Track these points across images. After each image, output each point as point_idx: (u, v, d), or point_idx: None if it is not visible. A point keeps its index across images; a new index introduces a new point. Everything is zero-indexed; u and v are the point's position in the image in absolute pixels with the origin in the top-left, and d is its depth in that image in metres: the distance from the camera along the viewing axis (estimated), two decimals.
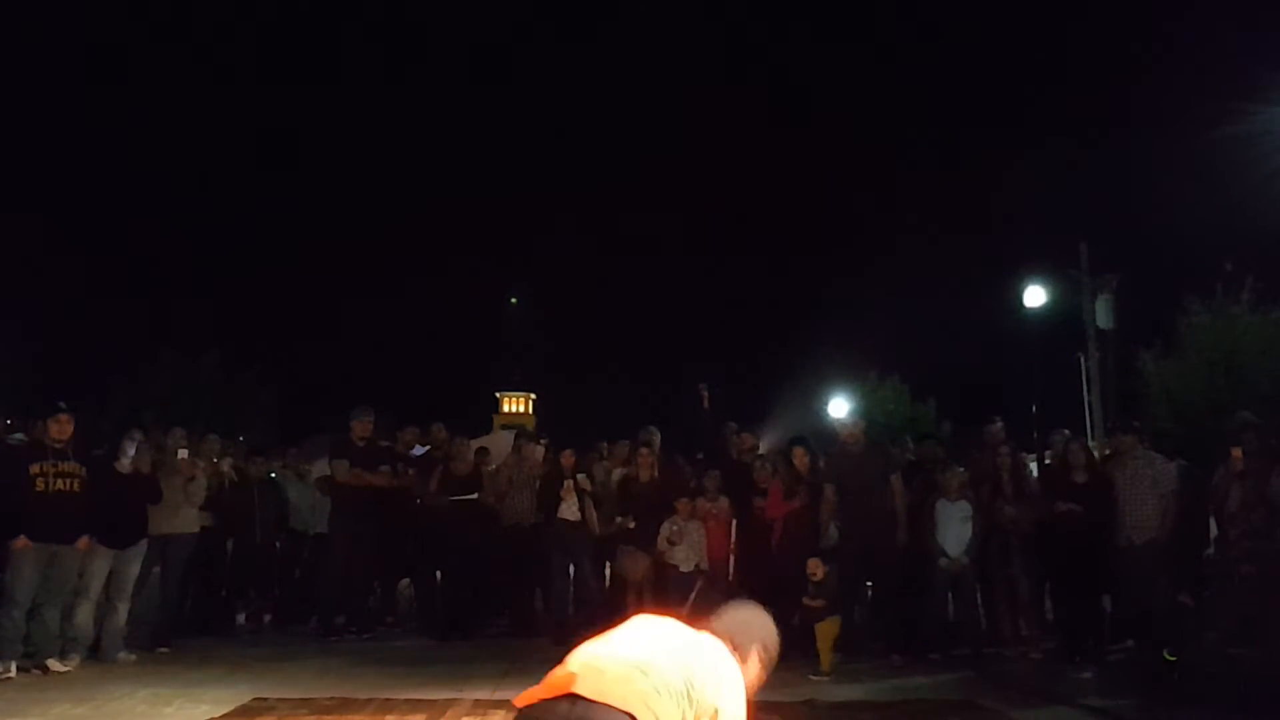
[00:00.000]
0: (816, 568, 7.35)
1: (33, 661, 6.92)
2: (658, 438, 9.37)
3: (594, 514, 8.84)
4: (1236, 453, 7.50)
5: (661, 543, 8.57)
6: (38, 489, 6.97)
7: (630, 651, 2.73)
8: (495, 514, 9.06)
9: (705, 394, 10.56)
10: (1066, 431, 9.01)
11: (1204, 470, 8.15)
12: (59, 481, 7.06)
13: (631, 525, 8.74)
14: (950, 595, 8.18)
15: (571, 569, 8.80)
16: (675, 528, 8.56)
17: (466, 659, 7.45)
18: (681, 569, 8.51)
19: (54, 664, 6.94)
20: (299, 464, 10.48)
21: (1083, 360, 20.53)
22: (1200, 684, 6.49)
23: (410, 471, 9.39)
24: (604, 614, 8.92)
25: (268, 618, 9.96)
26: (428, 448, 9.90)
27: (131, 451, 7.63)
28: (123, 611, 7.59)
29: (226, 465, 9.38)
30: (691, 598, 8.48)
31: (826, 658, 7.03)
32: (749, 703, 2.90)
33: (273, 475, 10.09)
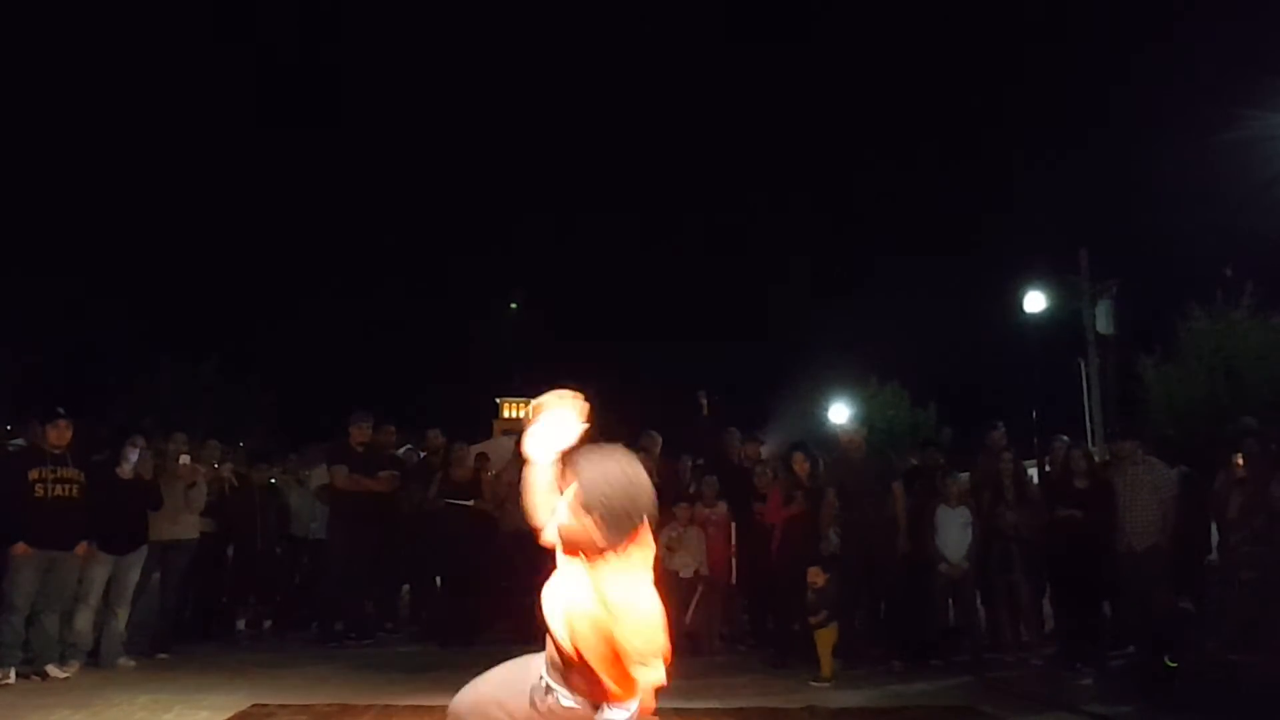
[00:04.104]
0: (817, 575, 7.34)
1: (32, 668, 6.89)
2: (658, 442, 9.36)
3: None
4: (1237, 459, 7.51)
5: (661, 549, 8.57)
6: (36, 495, 6.96)
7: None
8: (495, 520, 9.06)
9: (705, 401, 10.55)
10: (1066, 438, 9.03)
11: (1205, 476, 8.15)
12: (58, 488, 7.05)
13: None
14: (951, 601, 8.19)
15: None
16: (675, 534, 8.57)
17: (467, 665, 7.36)
18: (681, 575, 8.52)
19: (53, 670, 6.92)
20: (299, 470, 10.49)
21: (1083, 366, 20.52)
22: (1201, 690, 6.48)
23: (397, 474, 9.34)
24: None
25: (268, 624, 9.95)
26: (422, 453, 9.89)
27: (134, 457, 7.62)
28: (122, 617, 7.58)
29: (227, 471, 9.39)
30: (693, 604, 8.49)
31: (827, 664, 7.02)
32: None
33: (273, 481, 10.10)
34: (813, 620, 7.19)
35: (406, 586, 10.24)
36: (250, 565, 9.53)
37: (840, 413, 27.60)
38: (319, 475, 9.87)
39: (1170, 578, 7.53)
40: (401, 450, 10.20)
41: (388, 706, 6.04)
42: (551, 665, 2.70)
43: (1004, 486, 8.15)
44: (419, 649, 8.57)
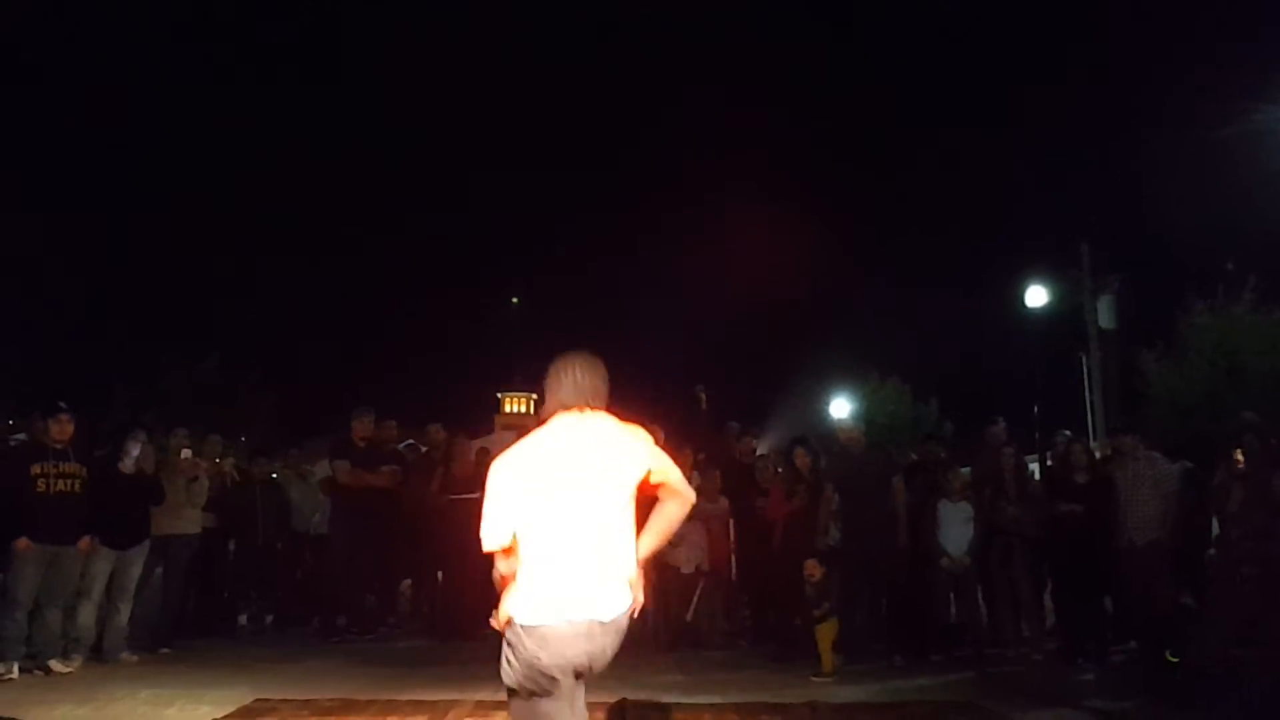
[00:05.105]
0: (814, 569, 7.34)
1: (35, 662, 6.92)
2: (659, 436, 9.35)
3: None
4: (1238, 453, 7.49)
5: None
6: (39, 490, 6.97)
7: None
8: None
9: (702, 396, 10.55)
10: (1068, 432, 9.04)
11: (1206, 471, 8.14)
12: (60, 482, 7.06)
13: None
14: (952, 596, 8.19)
15: None
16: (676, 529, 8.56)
17: (468, 660, 7.43)
18: (683, 570, 8.52)
19: (56, 665, 6.94)
20: (300, 465, 10.49)
21: (1084, 360, 20.53)
22: (1202, 685, 6.48)
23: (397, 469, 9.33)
24: None
25: (269, 619, 9.98)
26: (410, 442, 9.90)
27: (136, 452, 7.63)
28: (125, 612, 7.59)
29: (229, 466, 9.40)
30: (694, 599, 8.49)
31: (827, 659, 7.02)
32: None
33: (274, 476, 10.11)
34: (815, 614, 7.20)
35: (408, 581, 10.26)
36: (252, 560, 9.55)
37: (841, 408, 27.55)
38: (321, 470, 9.89)
39: (1171, 573, 7.53)
40: (403, 445, 10.20)
41: (390, 701, 6.05)
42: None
43: (1005, 481, 8.13)
44: (420, 644, 8.59)
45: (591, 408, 3.33)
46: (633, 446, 3.29)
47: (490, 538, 3.27)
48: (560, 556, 3.13)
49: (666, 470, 3.30)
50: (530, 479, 3.22)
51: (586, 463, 3.20)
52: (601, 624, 3.10)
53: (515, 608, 3.13)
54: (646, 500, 3.33)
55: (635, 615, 3.23)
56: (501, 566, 3.28)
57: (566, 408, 3.32)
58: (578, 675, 3.14)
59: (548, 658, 3.05)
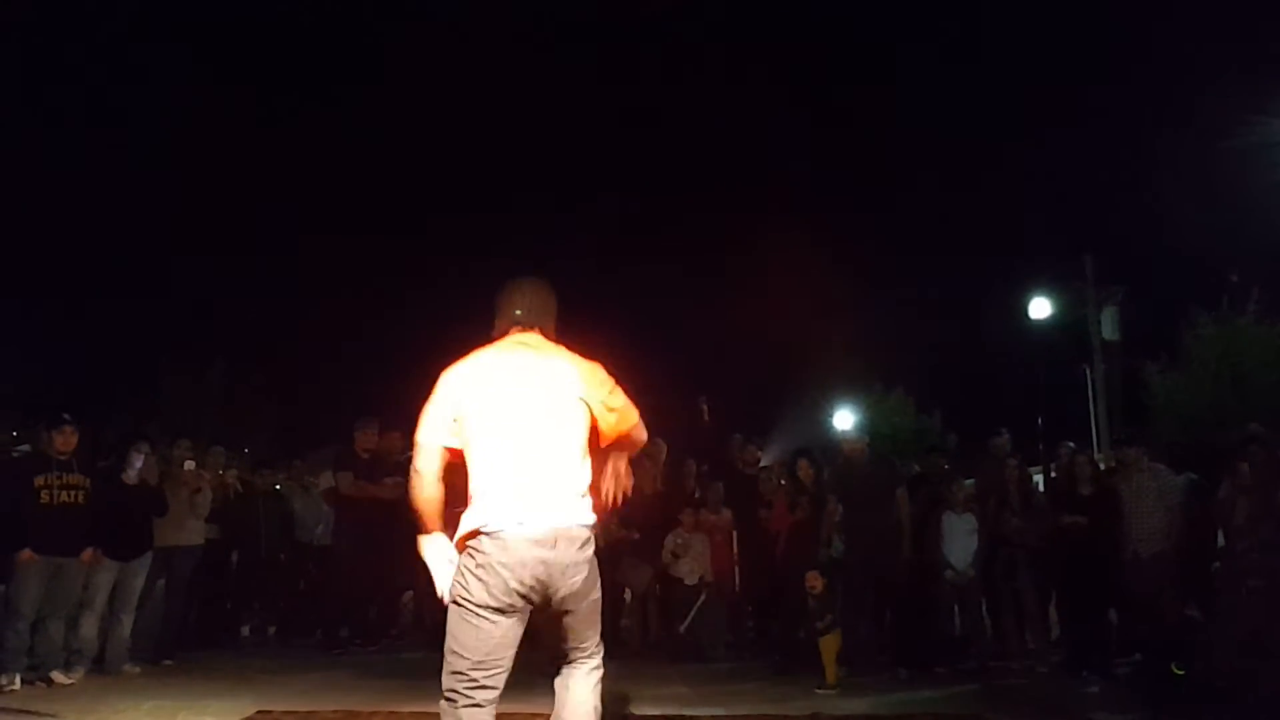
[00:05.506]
0: (815, 580, 7.32)
1: (37, 674, 6.91)
2: (664, 449, 9.35)
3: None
4: (1243, 465, 7.48)
5: (666, 555, 8.56)
6: (42, 501, 6.97)
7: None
8: None
9: (705, 407, 10.53)
10: (1072, 444, 9.03)
11: (1211, 483, 8.13)
12: (64, 494, 7.06)
13: (635, 537, 8.72)
14: (956, 608, 8.17)
15: None
16: (680, 540, 8.56)
17: None
18: (686, 582, 8.51)
19: (58, 676, 6.93)
20: (304, 476, 10.49)
21: (1088, 373, 20.47)
22: (1208, 698, 6.46)
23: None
24: (607, 626, 8.93)
25: (272, 630, 9.97)
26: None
27: (139, 463, 7.63)
28: (127, 624, 7.59)
29: (232, 477, 9.40)
30: (693, 610, 8.48)
31: (831, 671, 7.00)
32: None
33: (278, 488, 10.11)
34: (818, 626, 7.18)
35: (410, 593, 10.24)
36: (255, 571, 9.54)
37: (844, 419, 27.48)
38: (325, 481, 9.89)
39: (1177, 585, 7.51)
40: (406, 456, 10.19)
41: (392, 713, 6.04)
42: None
43: (1009, 493, 8.13)
44: (423, 655, 8.55)
45: (542, 328, 3.41)
46: (586, 371, 3.34)
47: (425, 431, 3.21)
48: (514, 463, 3.11)
49: (625, 409, 3.37)
50: (479, 384, 3.21)
51: (539, 374, 3.23)
52: (562, 530, 3.08)
53: (477, 518, 3.09)
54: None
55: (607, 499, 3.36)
56: (420, 463, 3.22)
57: (520, 326, 3.39)
58: (548, 602, 3.09)
59: (512, 565, 3.02)
